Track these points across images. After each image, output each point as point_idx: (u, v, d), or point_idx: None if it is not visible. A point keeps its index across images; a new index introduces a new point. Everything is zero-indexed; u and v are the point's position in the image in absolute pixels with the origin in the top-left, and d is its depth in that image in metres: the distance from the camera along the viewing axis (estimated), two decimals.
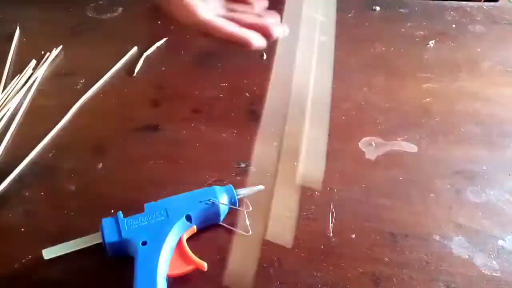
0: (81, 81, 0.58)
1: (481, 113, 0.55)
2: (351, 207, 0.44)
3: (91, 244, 0.40)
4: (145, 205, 0.41)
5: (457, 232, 0.43)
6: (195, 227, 0.41)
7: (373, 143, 0.51)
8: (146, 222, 0.40)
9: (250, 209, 0.43)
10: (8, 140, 0.50)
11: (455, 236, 0.42)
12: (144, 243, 0.38)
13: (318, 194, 0.46)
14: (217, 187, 0.43)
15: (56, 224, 0.43)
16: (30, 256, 0.40)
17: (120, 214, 0.40)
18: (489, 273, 0.40)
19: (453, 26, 0.69)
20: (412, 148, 0.51)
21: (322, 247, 0.41)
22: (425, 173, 0.48)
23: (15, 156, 0.48)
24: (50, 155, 0.49)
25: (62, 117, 0.53)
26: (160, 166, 0.48)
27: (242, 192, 0.44)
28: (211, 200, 0.42)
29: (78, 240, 0.40)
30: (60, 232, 0.42)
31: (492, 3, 0.74)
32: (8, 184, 0.46)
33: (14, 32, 0.66)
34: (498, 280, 0.39)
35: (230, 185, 0.44)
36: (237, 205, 0.43)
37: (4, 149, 0.49)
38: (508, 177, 0.48)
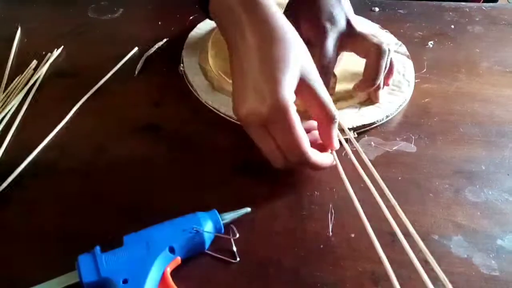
0: (82, 82, 0.58)
1: (480, 113, 0.55)
2: (351, 207, 0.44)
3: (67, 284, 0.37)
4: (124, 237, 0.38)
5: (456, 231, 0.43)
6: (179, 258, 0.39)
7: (372, 143, 0.51)
8: (126, 257, 0.37)
9: (237, 235, 0.41)
10: (9, 140, 0.51)
11: (454, 235, 0.43)
12: (125, 281, 0.36)
13: (318, 194, 0.46)
14: (200, 214, 0.41)
15: (56, 224, 0.43)
16: (30, 256, 0.41)
17: (98, 249, 0.37)
18: (488, 273, 0.40)
19: (452, 26, 0.69)
20: (411, 148, 0.51)
21: (322, 247, 0.42)
22: (424, 173, 0.48)
23: (16, 156, 0.49)
24: (51, 155, 0.49)
25: (63, 117, 0.53)
26: (160, 166, 0.48)
27: (227, 216, 0.42)
28: (195, 229, 0.39)
29: (53, 281, 0.37)
30: (60, 232, 0.42)
31: (491, 4, 0.75)
32: (8, 184, 0.46)
33: (15, 32, 0.66)
34: (497, 280, 0.39)
35: (215, 209, 0.41)
36: (223, 231, 0.41)
37: (5, 149, 0.50)
38: (506, 177, 0.48)
